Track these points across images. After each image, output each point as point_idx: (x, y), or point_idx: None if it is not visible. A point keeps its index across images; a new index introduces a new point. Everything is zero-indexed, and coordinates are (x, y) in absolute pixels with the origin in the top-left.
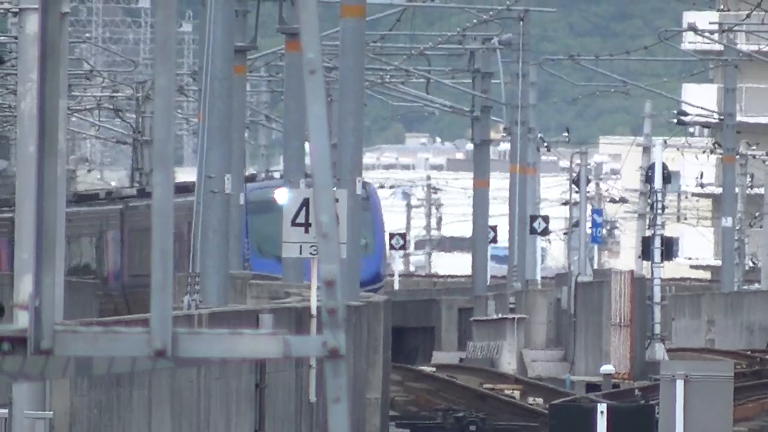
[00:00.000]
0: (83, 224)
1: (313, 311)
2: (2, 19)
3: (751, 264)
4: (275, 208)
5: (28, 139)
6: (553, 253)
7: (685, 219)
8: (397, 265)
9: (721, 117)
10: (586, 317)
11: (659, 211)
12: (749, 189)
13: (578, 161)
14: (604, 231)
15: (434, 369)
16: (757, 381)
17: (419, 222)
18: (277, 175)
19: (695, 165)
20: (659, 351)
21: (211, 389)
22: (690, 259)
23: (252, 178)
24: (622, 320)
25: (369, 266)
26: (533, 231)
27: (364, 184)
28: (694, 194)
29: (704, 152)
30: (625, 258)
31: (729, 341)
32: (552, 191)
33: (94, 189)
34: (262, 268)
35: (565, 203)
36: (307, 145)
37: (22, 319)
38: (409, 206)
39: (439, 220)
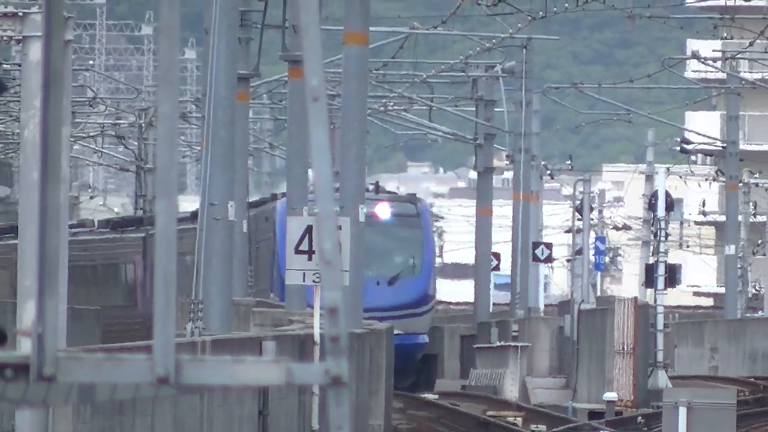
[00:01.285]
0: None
1: (316, 338)
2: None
3: (754, 291)
4: None
5: (31, 165)
6: (555, 281)
7: (688, 246)
8: None
9: (724, 145)
10: (589, 344)
11: (662, 239)
12: (752, 217)
13: (581, 189)
14: (607, 258)
15: (437, 396)
16: (760, 408)
17: None
18: None
19: (698, 193)
20: (662, 378)
21: (214, 416)
22: (693, 286)
23: None
24: (625, 347)
25: (416, 287)
26: (536, 258)
27: (415, 200)
28: (696, 222)
29: (707, 180)
30: (628, 285)
31: (732, 368)
32: (555, 219)
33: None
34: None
35: (568, 230)
36: (310, 172)
37: (25, 346)
38: None
39: (441, 247)
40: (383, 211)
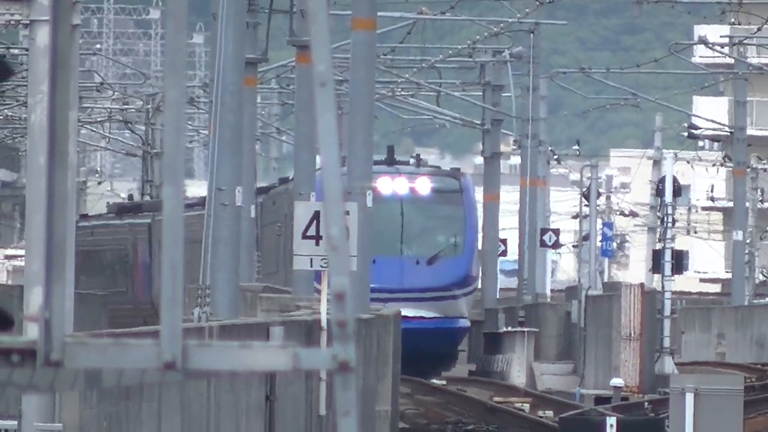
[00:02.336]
0: (116, 237)
1: (323, 324)
2: (13, 31)
3: (761, 277)
4: None
5: (38, 150)
6: (563, 267)
7: (695, 232)
8: None
9: (732, 130)
10: (596, 330)
11: (669, 225)
12: (760, 203)
13: (588, 174)
14: (615, 244)
15: (444, 382)
16: (767, 394)
17: None
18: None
19: (706, 178)
20: (669, 364)
21: (221, 402)
22: (700, 272)
23: None
24: (632, 333)
25: (458, 268)
26: (543, 244)
27: (458, 175)
28: (704, 208)
29: (714, 166)
30: (635, 271)
31: (739, 355)
32: (562, 204)
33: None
34: None
35: (575, 216)
36: (317, 157)
37: (31, 331)
38: None
39: None
40: (423, 186)
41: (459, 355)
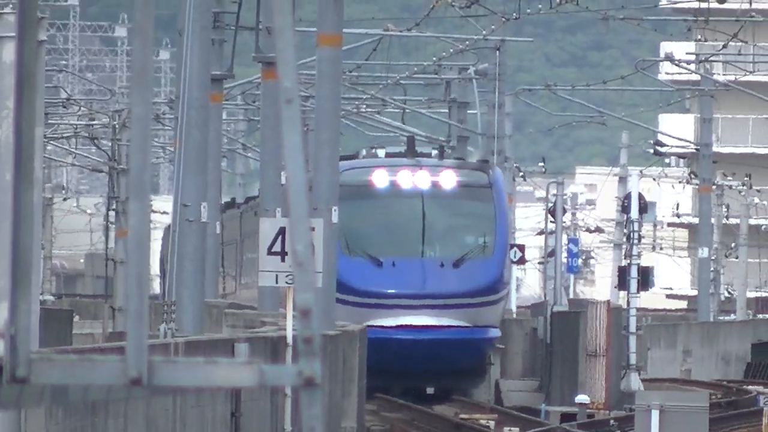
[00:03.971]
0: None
1: (289, 340)
2: None
3: (727, 294)
4: (372, 193)
5: (4, 166)
6: (528, 283)
7: (661, 249)
8: None
9: (698, 147)
10: (562, 347)
11: (635, 241)
12: (725, 219)
13: (554, 191)
14: (580, 260)
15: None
16: (732, 411)
17: None
18: (381, 153)
19: (671, 195)
20: (635, 381)
21: (187, 418)
22: (666, 288)
23: (347, 157)
24: (598, 350)
25: (487, 272)
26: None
27: (487, 168)
28: (670, 224)
29: (680, 182)
30: (601, 287)
31: (705, 371)
32: (528, 221)
33: None
34: (349, 272)
35: (541, 233)
36: (283, 174)
37: None
38: None
39: None
40: (448, 180)
41: (488, 369)
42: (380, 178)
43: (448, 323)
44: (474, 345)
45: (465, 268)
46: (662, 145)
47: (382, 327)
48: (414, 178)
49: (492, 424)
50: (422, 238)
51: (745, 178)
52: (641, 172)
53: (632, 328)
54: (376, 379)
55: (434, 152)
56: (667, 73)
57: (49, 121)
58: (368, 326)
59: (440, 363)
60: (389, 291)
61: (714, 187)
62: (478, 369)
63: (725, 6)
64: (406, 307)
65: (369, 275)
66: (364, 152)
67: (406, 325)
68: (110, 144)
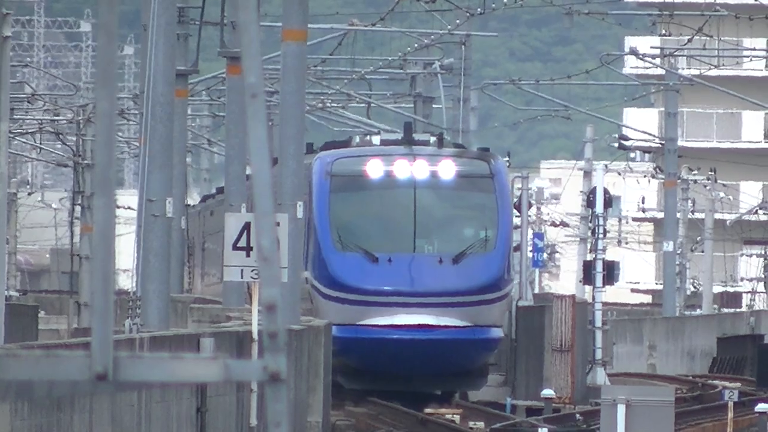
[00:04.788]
0: None
1: (255, 335)
2: None
3: (692, 288)
4: (366, 184)
5: None
6: None
7: (626, 243)
8: None
9: (663, 142)
10: (527, 341)
11: (600, 236)
12: (691, 214)
13: (519, 185)
14: (545, 255)
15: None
16: (698, 406)
17: None
18: (375, 140)
19: (636, 189)
20: (600, 375)
21: (152, 413)
22: (631, 283)
23: (340, 144)
24: (564, 345)
25: (489, 267)
26: None
27: (488, 157)
28: (635, 219)
29: (645, 177)
30: (566, 281)
31: (670, 366)
32: None
33: None
34: (342, 268)
35: None
36: (248, 168)
37: None
38: None
39: None
40: (447, 170)
41: (490, 370)
42: (375, 168)
43: (447, 323)
44: (475, 346)
45: (465, 264)
46: (627, 139)
47: (377, 326)
48: (411, 168)
49: (457, 418)
50: (420, 232)
51: (710, 173)
52: (606, 166)
53: (598, 322)
54: (370, 382)
55: (432, 140)
56: (632, 68)
57: (14, 117)
58: (362, 325)
59: (439, 365)
60: (385, 288)
61: (679, 181)
62: (479, 371)
63: (690, 0)
64: (403, 306)
65: (363, 271)
66: (357, 139)
67: (403, 325)
68: (75, 139)
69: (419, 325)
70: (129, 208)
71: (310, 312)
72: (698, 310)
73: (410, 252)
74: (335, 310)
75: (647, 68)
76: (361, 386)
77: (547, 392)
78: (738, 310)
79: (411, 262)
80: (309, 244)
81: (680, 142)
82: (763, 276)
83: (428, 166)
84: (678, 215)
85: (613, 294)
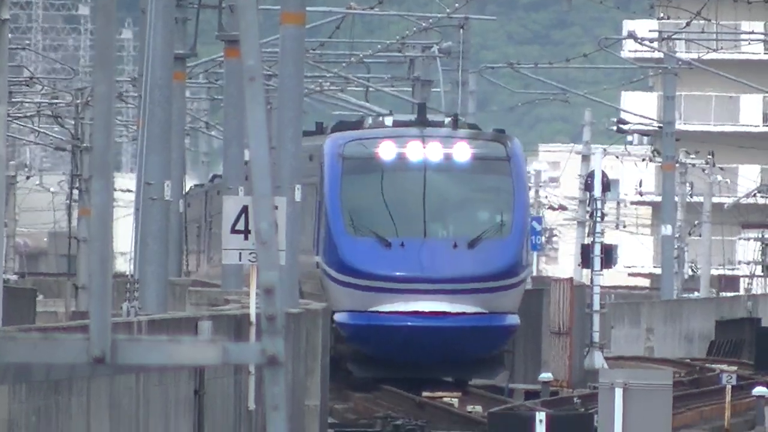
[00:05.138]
0: None
1: (252, 318)
2: None
3: (690, 272)
4: (379, 167)
5: None
6: None
7: (625, 227)
8: None
9: (661, 125)
10: (525, 325)
11: (598, 219)
12: (689, 197)
13: None
14: (543, 238)
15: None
16: (695, 389)
17: None
18: (388, 121)
19: (634, 173)
20: (598, 359)
21: (150, 396)
22: (629, 266)
23: (352, 125)
24: (562, 328)
25: (505, 253)
26: None
27: (504, 139)
28: (633, 202)
29: (643, 160)
30: (564, 265)
31: (668, 349)
32: None
33: None
34: (354, 253)
35: None
36: (246, 152)
37: None
38: None
39: None
40: (462, 152)
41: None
42: (388, 150)
43: (462, 310)
44: (490, 333)
45: (480, 249)
46: (625, 122)
47: (390, 313)
48: (425, 150)
49: (455, 402)
50: (434, 216)
51: (708, 156)
52: (604, 149)
53: (596, 306)
54: (382, 370)
55: (447, 121)
56: (630, 51)
57: (13, 100)
58: (375, 312)
59: (453, 353)
60: (398, 274)
61: (677, 165)
62: (496, 359)
63: None
64: (416, 292)
65: (375, 257)
66: (369, 121)
67: (416, 312)
68: (73, 122)
69: (433, 312)
70: (128, 190)
71: (321, 298)
72: (696, 293)
73: (424, 237)
74: (347, 295)
75: (645, 52)
76: (372, 374)
77: (545, 376)
78: (736, 293)
79: (425, 246)
80: (320, 228)
81: (678, 126)
82: (760, 259)
83: (442, 149)
84: (676, 199)
85: (611, 277)
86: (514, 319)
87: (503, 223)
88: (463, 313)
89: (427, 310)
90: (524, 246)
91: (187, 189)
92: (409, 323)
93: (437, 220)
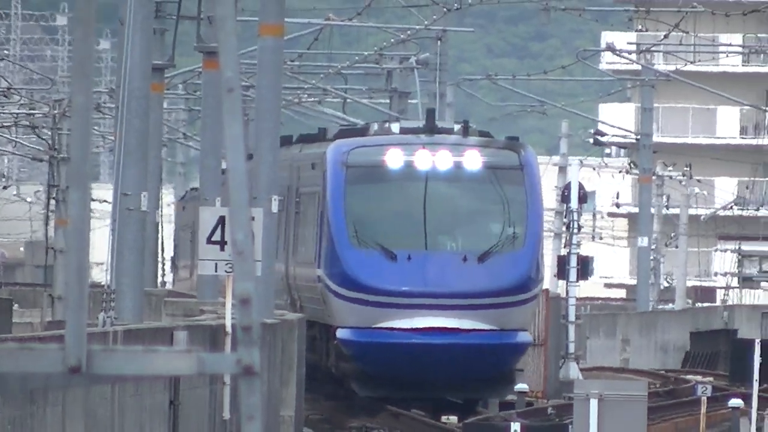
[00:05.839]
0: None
1: (228, 329)
2: None
3: (666, 284)
4: (385, 176)
5: None
6: None
7: (601, 238)
8: None
9: (638, 137)
10: None
11: (575, 231)
12: (665, 209)
13: None
14: None
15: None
16: (670, 400)
17: None
18: (395, 128)
19: (611, 184)
20: (574, 370)
21: (125, 406)
22: (605, 278)
23: (357, 131)
24: (537, 339)
25: (517, 267)
26: None
27: (518, 147)
28: (609, 214)
29: (620, 172)
30: None
31: (644, 360)
32: None
33: None
34: (358, 266)
35: None
36: (223, 163)
37: None
38: None
39: None
40: (473, 160)
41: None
42: (394, 159)
43: (471, 326)
44: (501, 351)
45: (491, 263)
46: (602, 134)
47: (396, 329)
48: (434, 159)
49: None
50: (442, 228)
51: (685, 168)
52: (581, 161)
53: (571, 317)
54: (387, 390)
55: (457, 128)
56: (608, 63)
57: None
58: (379, 328)
59: (462, 371)
60: (404, 289)
61: (654, 177)
62: (505, 378)
63: None
64: (424, 307)
65: (381, 270)
66: (375, 126)
67: (424, 328)
68: (50, 133)
69: (441, 329)
70: (104, 201)
71: (322, 313)
72: (671, 304)
73: (432, 249)
74: (350, 311)
75: (623, 64)
76: (376, 394)
77: (520, 386)
78: (712, 304)
79: (432, 260)
80: (322, 239)
81: (656, 138)
82: (736, 271)
83: (452, 157)
84: (653, 210)
85: (586, 289)
86: (525, 337)
87: (516, 236)
88: (473, 330)
89: (434, 326)
90: (538, 260)
91: (183, 193)
92: (416, 340)
93: (446, 232)
